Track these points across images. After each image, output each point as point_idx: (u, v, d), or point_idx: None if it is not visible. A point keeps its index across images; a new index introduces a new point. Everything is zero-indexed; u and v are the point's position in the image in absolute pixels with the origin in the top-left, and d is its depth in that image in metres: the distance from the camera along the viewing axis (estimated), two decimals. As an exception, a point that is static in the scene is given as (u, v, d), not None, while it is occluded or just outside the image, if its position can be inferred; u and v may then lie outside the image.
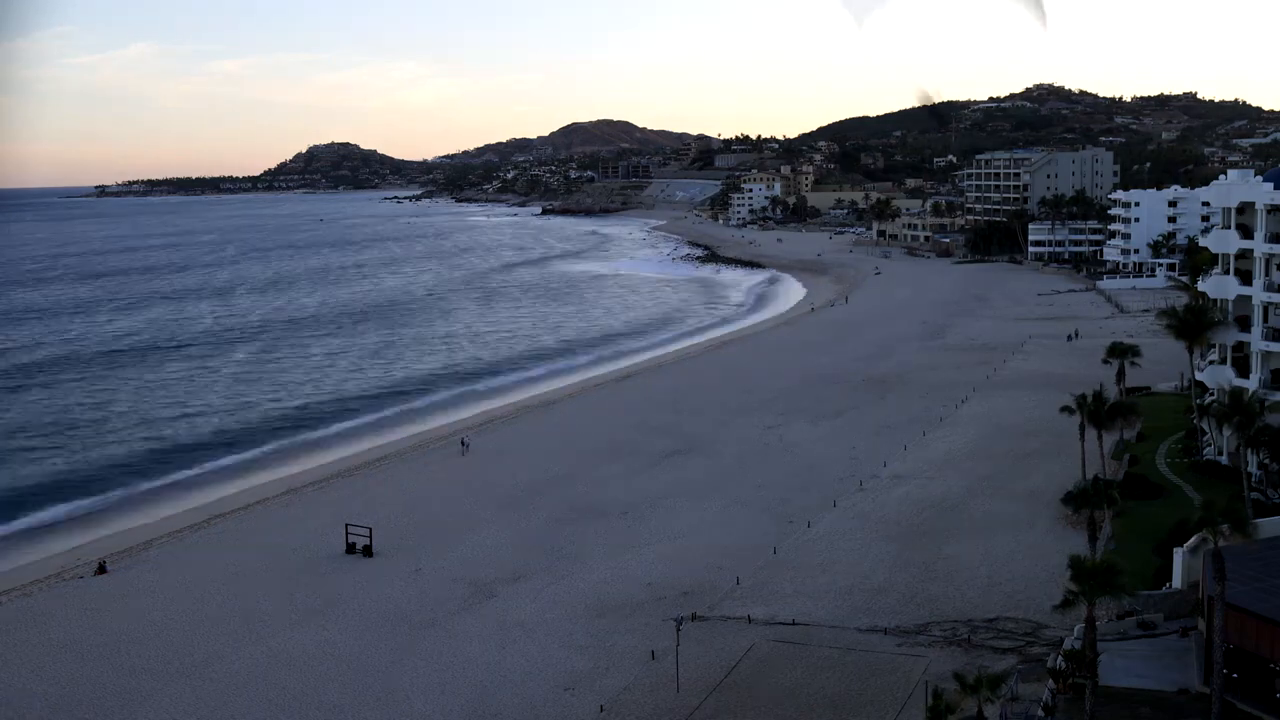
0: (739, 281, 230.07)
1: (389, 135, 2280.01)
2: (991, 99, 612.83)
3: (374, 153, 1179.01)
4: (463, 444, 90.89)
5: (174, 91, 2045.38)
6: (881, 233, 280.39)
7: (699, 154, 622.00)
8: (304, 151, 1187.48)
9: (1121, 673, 41.06)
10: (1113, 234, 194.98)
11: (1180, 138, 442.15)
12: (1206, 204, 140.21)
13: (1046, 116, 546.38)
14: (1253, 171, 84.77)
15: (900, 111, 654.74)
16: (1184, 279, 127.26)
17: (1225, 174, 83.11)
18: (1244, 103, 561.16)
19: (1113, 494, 53.04)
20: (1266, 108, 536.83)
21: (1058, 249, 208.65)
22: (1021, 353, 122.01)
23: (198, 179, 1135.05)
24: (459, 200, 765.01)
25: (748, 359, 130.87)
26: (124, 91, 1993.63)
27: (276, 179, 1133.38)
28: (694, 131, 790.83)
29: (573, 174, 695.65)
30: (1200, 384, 73.42)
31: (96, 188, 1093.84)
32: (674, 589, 57.16)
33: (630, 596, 56.74)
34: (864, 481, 75.10)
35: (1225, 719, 37.23)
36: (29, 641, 54.51)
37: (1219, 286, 70.87)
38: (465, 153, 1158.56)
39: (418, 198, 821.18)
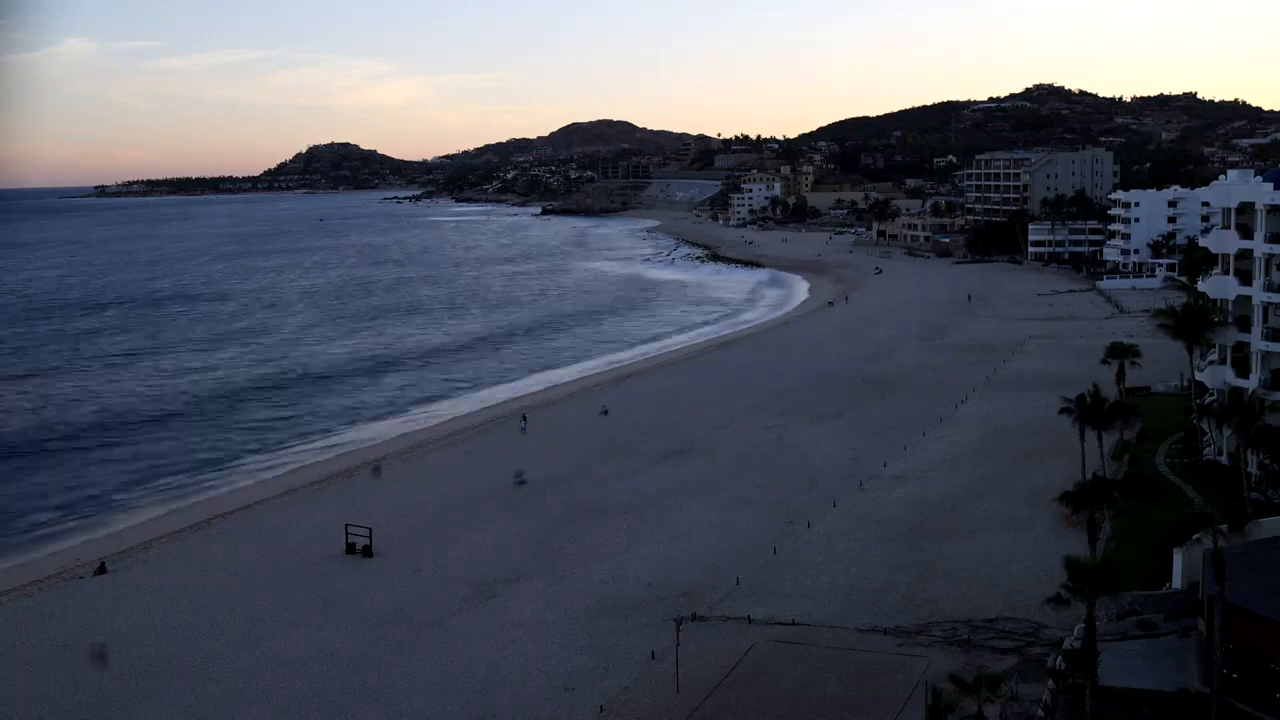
0: (738, 281, 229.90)
1: (389, 136, 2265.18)
2: (991, 99, 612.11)
3: (374, 153, 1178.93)
4: (522, 419, 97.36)
5: (128, 89, 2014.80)
6: (881, 233, 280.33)
7: (699, 154, 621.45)
8: (304, 152, 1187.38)
9: (1121, 673, 41.08)
10: (1113, 234, 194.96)
11: (1180, 138, 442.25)
12: (1206, 204, 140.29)
13: (1046, 116, 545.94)
14: (1253, 171, 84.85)
15: (900, 111, 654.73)
16: (1184, 279, 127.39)
17: (1225, 174, 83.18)
18: (1244, 103, 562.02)
19: (1113, 494, 53.06)
20: (1266, 108, 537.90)
21: (1058, 249, 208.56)
22: (1021, 353, 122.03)
23: (197, 179, 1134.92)
24: (459, 200, 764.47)
25: (748, 359, 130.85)
26: (78, 89, 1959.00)
27: (276, 179, 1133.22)
28: (694, 131, 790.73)
29: (573, 174, 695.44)
30: (1200, 384, 73.44)
31: (96, 188, 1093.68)
32: (674, 589, 57.15)
33: (630, 596, 56.74)
34: (864, 481, 75.10)
35: (1225, 719, 37.23)
36: (29, 641, 54.48)
37: (1219, 286, 70.92)
38: (465, 153, 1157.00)
39: (417, 198, 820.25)
